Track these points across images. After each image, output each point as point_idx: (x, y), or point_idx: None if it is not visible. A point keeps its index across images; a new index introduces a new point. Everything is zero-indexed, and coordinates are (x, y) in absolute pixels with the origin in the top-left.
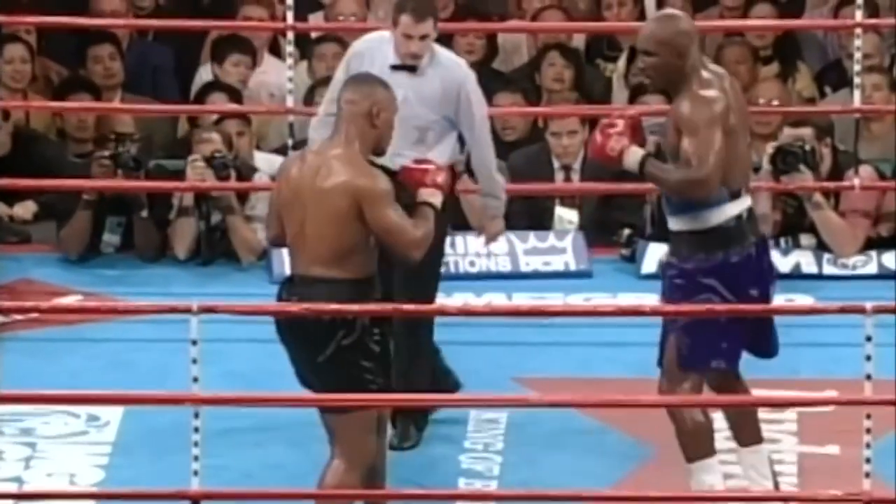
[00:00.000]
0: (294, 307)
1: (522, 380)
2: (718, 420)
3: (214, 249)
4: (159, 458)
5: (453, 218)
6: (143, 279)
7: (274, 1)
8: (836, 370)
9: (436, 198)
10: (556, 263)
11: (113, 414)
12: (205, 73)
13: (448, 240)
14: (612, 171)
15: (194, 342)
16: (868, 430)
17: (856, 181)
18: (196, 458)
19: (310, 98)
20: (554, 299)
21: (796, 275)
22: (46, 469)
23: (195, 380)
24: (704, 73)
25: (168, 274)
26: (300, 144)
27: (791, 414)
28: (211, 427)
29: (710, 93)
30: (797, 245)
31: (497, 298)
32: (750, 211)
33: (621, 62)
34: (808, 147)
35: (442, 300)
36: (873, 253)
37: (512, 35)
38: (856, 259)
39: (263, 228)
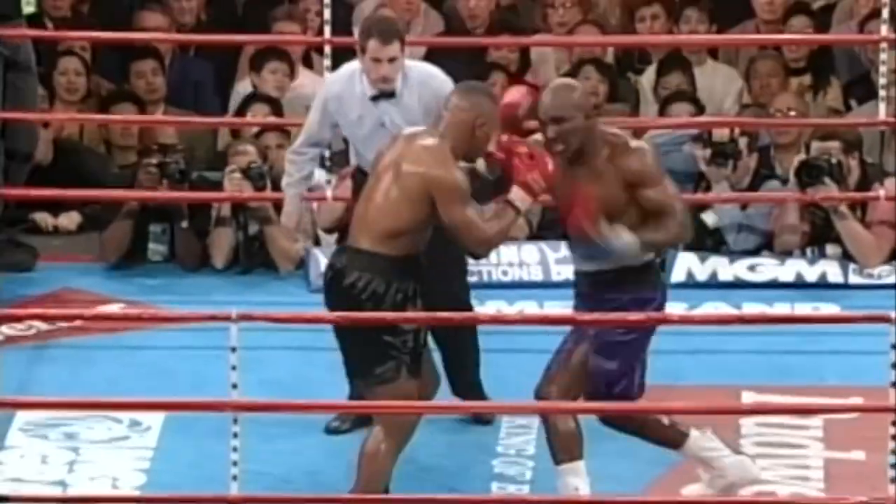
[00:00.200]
0: (329, 316)
1: None
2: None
3: (252, 259)
4: (199, 463)
5: None
6: (184, 288)
7: (306, 16)
8: (862, 378)
9: (524, 203)
10: None
11: (154, 420)
12: (241, 88)
13: None
14: None
15: (233, 349)
16: (893, 437)
17: (881, 192)
18: (235, 464)
19: None
20: None
21: (822, 284)
22: (89, 473)
23: (234, 386)
24: (609, 129)
25: (208, 283)
26: (336, 155)
27: (817, 420)
28: (250, 433)
29: (637, 142)
30: (823, 255)
31: (529, 307)
32: None
33: (650, 73)
34: (834, 160)
35: (475, 308)
36: None
37: (539, 48)
38: (881, 269)
39: (301, 237)
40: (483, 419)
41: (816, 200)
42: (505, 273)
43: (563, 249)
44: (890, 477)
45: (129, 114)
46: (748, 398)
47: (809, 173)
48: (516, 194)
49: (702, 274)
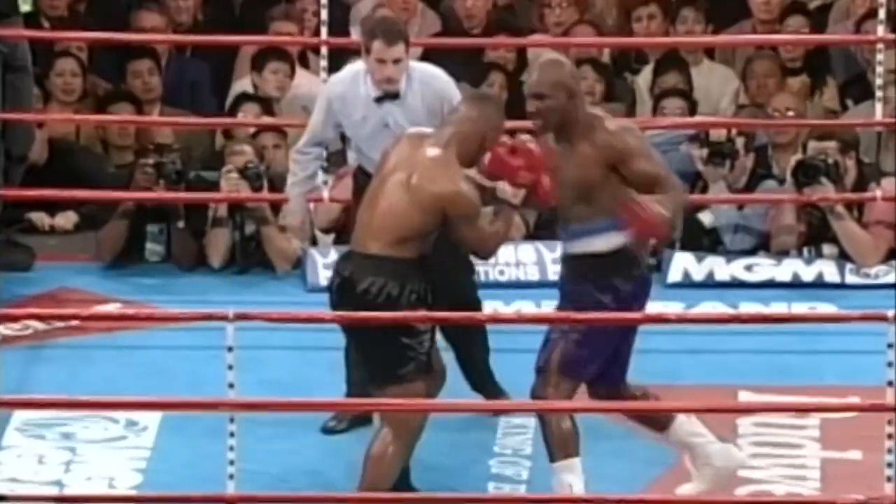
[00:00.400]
0: (327, 316)
1: None
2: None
3: (249, 259)
4: (196, 463)
5: None
6: (181, 288)
7: (303, 16)
8: (859, 377)
9: (516, 199)
10: None
11: (151, 419)
12: (238, 87)
13: None
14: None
15: (230, 349)
16: (890, 436)
17: (878, 192)
18: (232, 463)
19: None
20: None
21: (819, 284)
22: (86, 473)
23: (231, 386)
24: (593, 110)
25: (205, 282)
26: (333, 156)
27: (814, 420)
28: (247, 433)
29: (619, 122)
30: (820, 255)
31: (526, 306)
32: None
33: (647, 73)
34: (830, 160)
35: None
36: (895, 263)
37: (536, 48)
38: (878, 269)
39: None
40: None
41: (813, 200)
42: (502, 273)
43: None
44: (886, 476)
45: (126, 113)
46: (745, 398)
47: (806, 173)
48: (505, 190)
49: (698, 274)
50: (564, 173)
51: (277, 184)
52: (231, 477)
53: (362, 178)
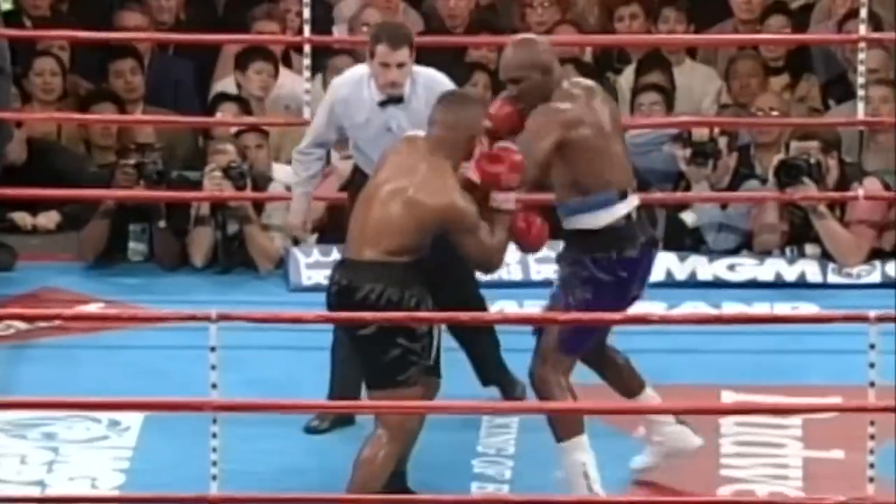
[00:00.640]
0: (309, 316)
1: None
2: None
3: (232, 258)
4: (179, 463)
5: None
6: (164, 287)
7: (285, 16)
8: (841, 377)
9: (509, 203)
10: None
11: (134, 419)
12: (221, 87)
13: None
14: None
15: (213, 349)
16: (872, 436)
17: (860, 192)
18: (215, 464)
19: None
20: None
21: (802, 283)
22: (68, 473)
23: (214, 386)
24: (566, 86)
25: (188, 282)
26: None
27: (796, 420)
28: (230, 433)
29: (559, 105)
30: (802, 255)
31: (508, 306)
32: (639, 210)
33: (629, 73)
34: (812, 160)
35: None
36: (877, 262)
37: None
38: (860, 268)
39: (280, 237)
40: (514, 395)
41: (795, 200)
42: None
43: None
44: (868, 476)
45: (108, 113)
46: (728, 397)
47: (788, 173)
48: (498, 198)
49: (681, 273)
50: None
51: (260, 183)
52: (214, 477)
53: (359, 179)
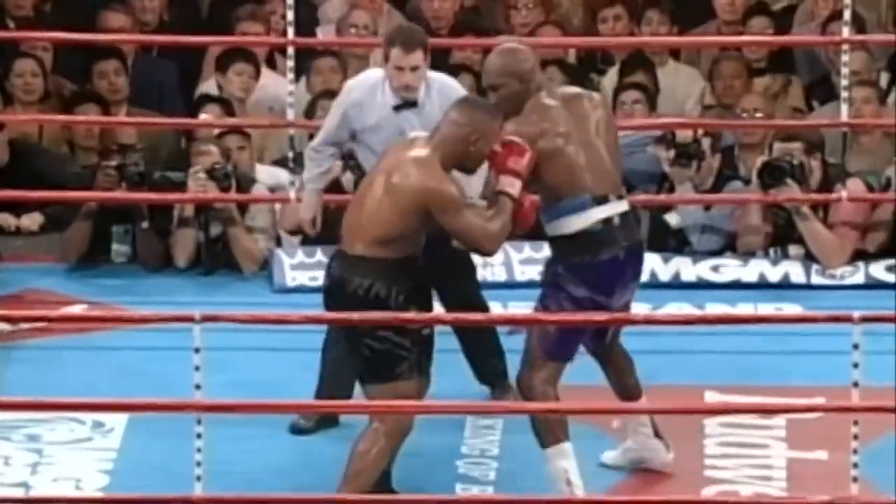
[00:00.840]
0: (295, 317)
1: None
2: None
3: (216, 260)
4: (163, 464)
5: None
6: (148, 289)
7: (269, 17)
8: (824, 377)
9: (514, 187)
10: None
11: (118, 421)
12: (205, 88)
13: None
14: None
15: (197, 350)
16: (855, 436)
17: (843, 193)
18: (199, 465)
19: (311, 112)
20: None
21: (785, 284)
22: (52, 474)
23: (198, 387)
24: (542, 96)
25: (172, 283)
26: (300, 157)
27: (780, 420)
28: (215, 434)
29: (525, 118)
30: (786, 256)
31: (493, 307)
32: (624, 216)
33: (613, 74)
34: (795, 161)
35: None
36: (861, 263)
37: None
38: (843, 269)
39: (264, 238)
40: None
41: (779, 201)
42: None
43: (527, 250)
44: (852, 476)
45: (92, 114)
46: (711, 398)
47: (772, 174)
48: (504, 182)
49: (665, 274)
50: None
51: (243, 185)
52: (198, 478)
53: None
